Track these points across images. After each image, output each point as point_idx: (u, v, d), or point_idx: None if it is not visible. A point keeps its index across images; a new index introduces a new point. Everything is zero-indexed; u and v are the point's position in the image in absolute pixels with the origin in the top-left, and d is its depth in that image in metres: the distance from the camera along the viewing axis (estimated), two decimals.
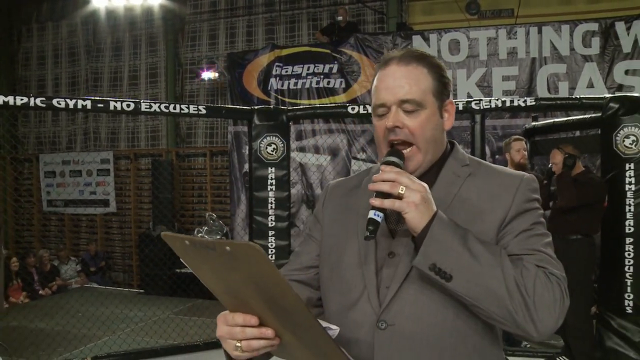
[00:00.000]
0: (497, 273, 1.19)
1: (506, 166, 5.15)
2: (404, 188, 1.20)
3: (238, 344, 1.14)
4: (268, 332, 1.12)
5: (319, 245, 1.50)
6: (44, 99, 4.34)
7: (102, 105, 4.53)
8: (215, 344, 5.04)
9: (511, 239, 1.30)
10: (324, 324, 1.16)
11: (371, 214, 1.23)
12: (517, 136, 5.25)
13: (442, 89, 1.40)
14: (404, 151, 1.34)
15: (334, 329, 1.20)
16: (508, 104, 4.75)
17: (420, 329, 1.27)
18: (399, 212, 1.22)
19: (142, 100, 4.69)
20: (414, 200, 1.20)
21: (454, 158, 1.43)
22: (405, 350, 1.25)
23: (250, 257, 0.98)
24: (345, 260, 1.39)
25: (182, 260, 1.14)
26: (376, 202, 1.21)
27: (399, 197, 1.20)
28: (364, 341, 1.30)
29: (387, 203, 1.20)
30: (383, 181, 1.22)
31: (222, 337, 1.18)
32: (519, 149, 5.11)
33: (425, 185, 1.24)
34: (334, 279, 1.41)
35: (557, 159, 4.71)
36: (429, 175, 1.38)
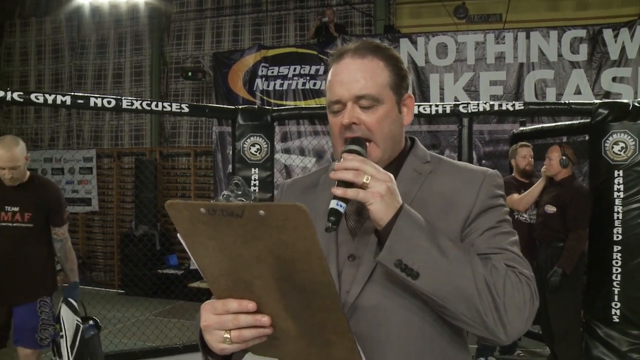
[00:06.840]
0: (467, 271, 1.11)
1: (511, 172, 5.10)
2: (369, 177, 1.11)
3: (227, 335, 1.04)
4: (264, 319, 1.03)
5: None
6: (21, 93, 4.23)
7: (82, 101, 4.42)
8: (195, 347, 4.94)
9: (476, 238, 1.23)
10: None
11: (333, 203, 1.12)
12: (524, 142, 5.21)
13: (400, 82, 1.31)
14: None
15: None
16: (496, 107, 4.69)
17: (384, 334, 1.20)
18: (361, 205, 1.14)
19: (123, 97, 4.58)
20: (379, 191, 1.10)
21: (414, 155, 1.36)
22: (370, 356, 1.17)
23: (290, 221, 0.88)
24: None
25: (179, 236, 1.01)
26: (338, 191, 1.10)
27: (363, 186, 1.11)
28: None
29: (351, 192, 1.10)
30: (346, 169, 1.12)
31: (209, 327, 1.07)
32: (524, 155, 5.09)
33: (391, 175, 1.15)
34: None
35: (553, 155, 4.63)
36: (389, 172, 1.25)
